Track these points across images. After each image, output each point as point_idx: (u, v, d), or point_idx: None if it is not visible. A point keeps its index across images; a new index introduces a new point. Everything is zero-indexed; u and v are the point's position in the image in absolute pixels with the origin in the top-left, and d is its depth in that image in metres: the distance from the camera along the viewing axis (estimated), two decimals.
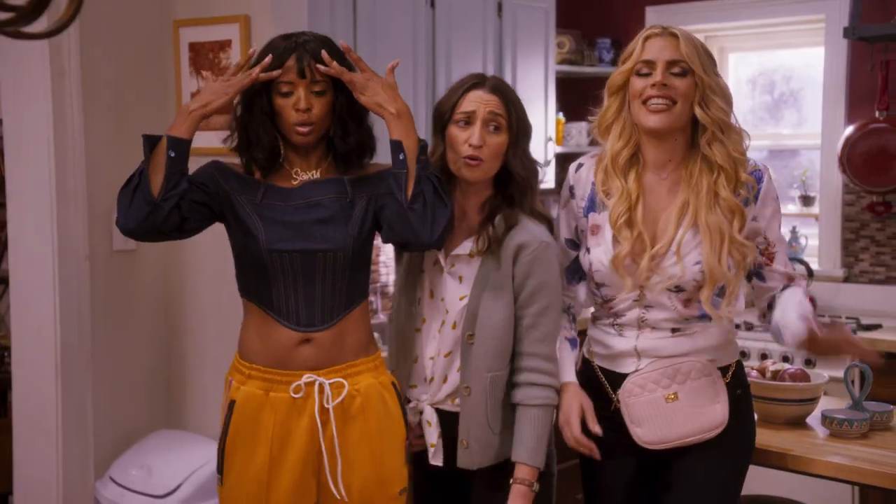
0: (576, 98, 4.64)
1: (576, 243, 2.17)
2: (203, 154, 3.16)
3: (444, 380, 2.10)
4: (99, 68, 3.09)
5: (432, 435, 2.11)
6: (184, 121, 2.03)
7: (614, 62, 4.53)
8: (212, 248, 2.92)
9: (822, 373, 2.49)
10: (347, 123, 2.07)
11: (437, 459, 2.11)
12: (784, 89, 4.45)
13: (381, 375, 2.13)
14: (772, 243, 2.08)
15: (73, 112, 3.01)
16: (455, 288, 2.08)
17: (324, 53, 2.01)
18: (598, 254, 2.07)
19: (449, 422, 2.10)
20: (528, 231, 2.04)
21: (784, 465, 2.21)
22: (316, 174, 2.10)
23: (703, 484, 2.05)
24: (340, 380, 2.06)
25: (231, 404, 2.09)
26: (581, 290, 2.19)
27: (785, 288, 2.10)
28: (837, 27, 3.90)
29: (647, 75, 2.00)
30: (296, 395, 2.05)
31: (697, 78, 1.99)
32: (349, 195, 2.08)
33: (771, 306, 2.11)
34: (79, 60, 3.01)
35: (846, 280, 4.03)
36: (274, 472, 2.06)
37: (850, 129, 3.92)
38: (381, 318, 3.81)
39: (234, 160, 2.15)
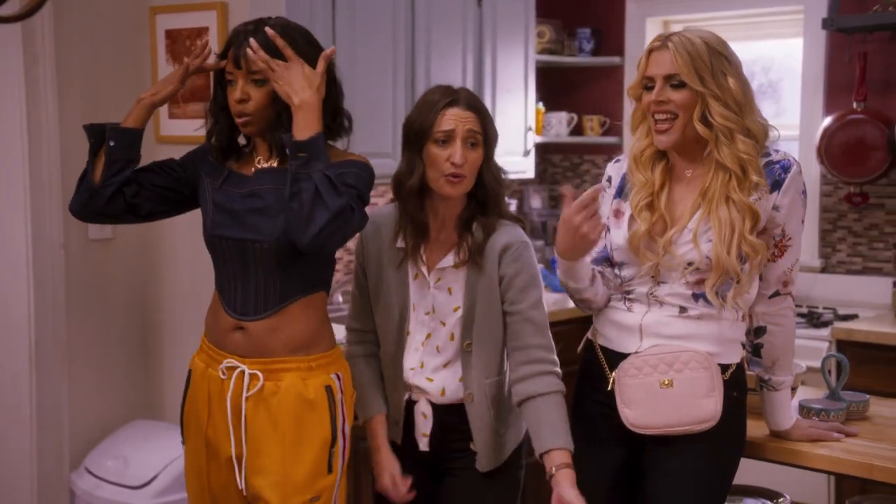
0: (556, 88, 4.64)
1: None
2: (178, 143, 3.13)
3: (442, 392, 2.16)
4: (74, 55, 3.05)
5: (426, 425, 2.18)
6: (133, 110, 2.10)
7: (594, 52, 4.53)
8: (188, 237, 2.90)
9: (800, 363, 2.50)
10: (282, 114, 2.02)
11: (423, 446, 2.19)
12: (763, 80, 4.46)
13: (314, 377, 2.06)
14: (787, 235, 2.08)
15: (46, 99, 2.97)
16: (446, 300, 2.15)
17: (252, 41, 1.99)
18: (616, 235, 2.12)
19: (442, 412, 2.17)
20: (508, 232, 2.13)
21: (761, 454, 2.22)
22: (274, 163, 2.09)
23: (683, 474, 2.05)
24: (256, 372, 2.05)
25: (189, 373, 2.19)
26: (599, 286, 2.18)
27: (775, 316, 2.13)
28: (816, 18, 3.90)
29: (651, 90, 2.04)
30: (223, 377, 2.09)
31: (693, 90, 2.00)
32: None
33: (758, 332, 2.14)
34: (53, 47, 2.98)
35: (823, 270, 4.05)
36: (212, 446, 2.12)
37: (828, 120, 3.93)
38: None
39: None
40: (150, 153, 3.16)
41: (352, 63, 3.36)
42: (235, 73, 2.02)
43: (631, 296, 2.12)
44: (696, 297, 2.05)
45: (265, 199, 2.06)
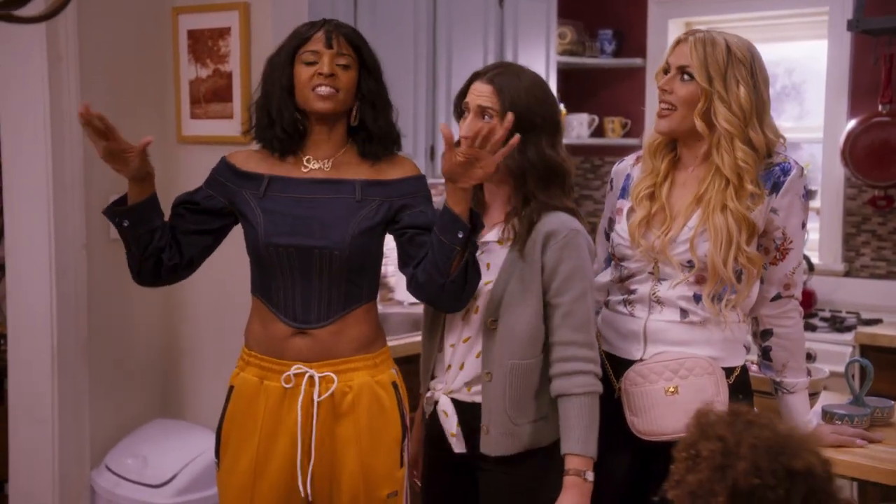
0: (577, 89, 4.62)
1: (608, 234, 2.23)
2: (201, 143, 3.13)
3: (461, 366, 2.07)
4: (97, 55, 3.07)
5: (451, 424, 2.08)
6: (130, 186, 2.01)
7: (616, 53, 4.51)
8: None
9: (823, 367, 2.48)
10: (376, 105, 2.06)
11: (459, 447, 2.07)
12: (786, 82, 4.43)
13: (379, 374, 2.09)
14: (788, 238, 2.07)
15: (70, 99, 2.99)
16: (482, 272, 2.05)
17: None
18: (619, 229, 2.13)
19: (466, 412, 2.07)
20: (558, 219, 2.01)
21: None
22: (328, 164, 2.07)
23: None
24: (330, 374, 2.03)
25: (230, 389, 2.10)
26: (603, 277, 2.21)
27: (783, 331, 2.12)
28: (841, 20, 3.87)
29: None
30: (286, 386, 2.03)
31: (700, 87, 2.00)
32: (357, 196, 2.06)
33: (764, 335, 2.13)
34: (76, 47, 2.99)
35: (847, 274, 4.01)
36: (262, 462, 2.05)
37: (852, 123, 3.90)
38: (380, 308, 3.79)
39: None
40: (172, 154, 3.20)
41: None
42: (323, 52, 2.00)
43: (633, 297, 2.11)
44: (697, 298, 2.05)
45: (332, 208, 2.03)
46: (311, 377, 2.02)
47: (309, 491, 2.04)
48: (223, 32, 3.06)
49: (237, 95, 3.03)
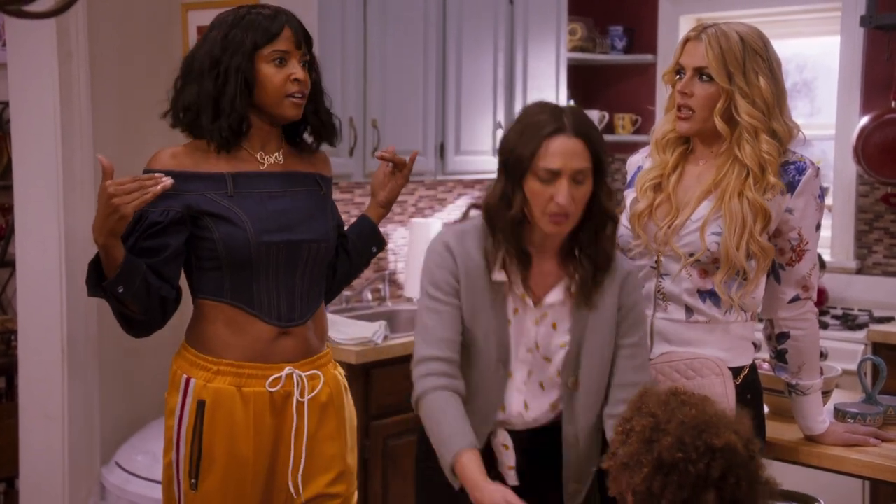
0: (588, 86, 4.61)
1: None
2: None
3: (525, 406, 1.96)
4: (107, 51, 3.07)
5: (509, 458, 1.97)
6: (104, 259, 1.84)
7: (626, 50, 4.50)
8: None
9: (835, 366, 2.46)
10: (319, 98, 2.04)
11: (513, 480, 1.96)
12: (797, 79, 4.40)
13: (336, 365, 2.15)
14: (804, 239, 2.05)
15: (80, 95, 2.99)
16: (550, 335, 1.93)
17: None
18: (623, 218, 2.11)
19: (525, 447, 1.97)
20: (622, 261, 1.96)
21: (795, 458, 2.19)
22: (280, 157, 2.03)
23: None
24: (316, 371, 2.03)
25: (200, 405, 1.97)
26: None
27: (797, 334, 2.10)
28: (854, 16, 3.85)
29: (683, 77, 2.04)
30: (272, 389, 1.98)
31: (720, 87, 1.98)
32: (323, 189, 2.08)
33: (780, 338, 2.11)
34: (86, 43, 2.99)
35: (859, 272, 3.99)
36: (256, 468, 2.01)
37: (864, 120, 3.87)
38: (389, 305, 3.80)
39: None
40: None
41: (383, 60, 3.36)
42: (293, 53, 1.95)
43: None
44: (702, 295, 2.03)
45: (308, 200, 2.03)
46: (301, 377, 2.01)
47: (300, 492, 2.02)
48: None
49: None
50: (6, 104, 3.33)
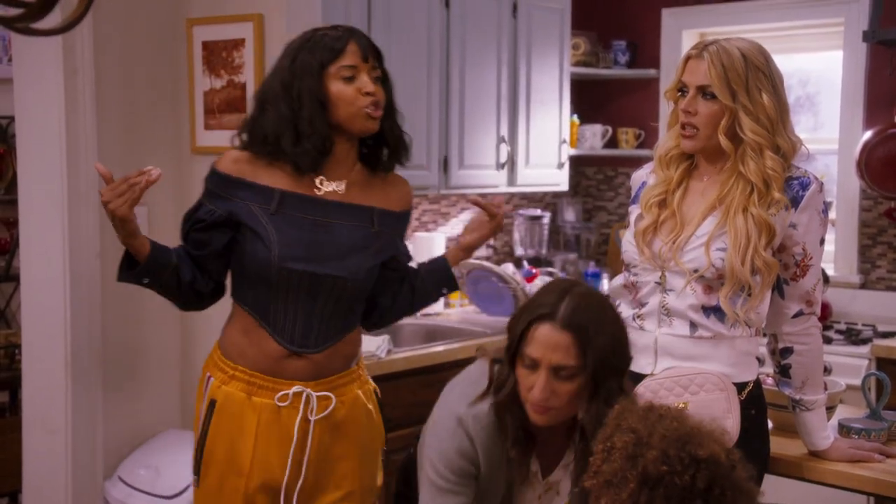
0: (590, 100, 4.62)
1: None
2: (215, 153, 3.13)
3: None
4: (112, 67, 3.08)
5: None
6: (132, 250, 1.92)
7: (629, 64, 4.51)
8: None
9: (839, 381, 2.45)
10: (392, 113, 2.04)
11: None
12: (800, 93, 4.41)
13: (364, 384, 2.12)
14: (809, 254, 2.05)
15: (85, 110, 3.00)
16: (554, 501, 1.92)
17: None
18: (627, 234, 2.12)
19: None
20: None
21: (799, 474, 2.18)
22: (342, 186, 2.02)
23: None
24: (328, 393, 2.02)
25: (212, 403, 2.02)
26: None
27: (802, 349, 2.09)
28: (856, 31, 3.85)
29: (685, 95, 2.04)
30: (281, 404, 1.99)
31: (724, 104, 1.98)
32: (375, 226, 2.04)
33: (784, 352, 2.11)
34: (92, 59, 3.01)
35: (862, 286, 3.98)
36: (252, 477, 2.01)
37: (868, 134, 3.88)
38: None
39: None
40: (186, 164, 3.20)
41: None
42: (360, 66, 1.95)
43: (643, 311, 2.09)
44: (706, 311, 2.03)
45: (351, 237, 2.00)
46: (309, 396, 2.00)
47: None
48: (237, 44, 3.07)
49: (251, 107, 3.03)
50: (12, 119, 3.34)
